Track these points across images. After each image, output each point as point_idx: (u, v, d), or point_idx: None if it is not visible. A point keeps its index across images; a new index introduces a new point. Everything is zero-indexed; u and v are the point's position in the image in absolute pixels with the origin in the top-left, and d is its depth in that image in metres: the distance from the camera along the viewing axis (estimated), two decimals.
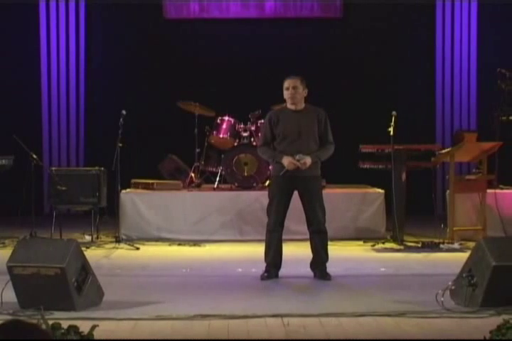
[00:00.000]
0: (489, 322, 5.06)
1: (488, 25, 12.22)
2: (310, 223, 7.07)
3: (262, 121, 9.64)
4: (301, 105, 7.09)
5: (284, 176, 6.97)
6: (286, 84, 7.05)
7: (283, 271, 7.11)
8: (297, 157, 6.89)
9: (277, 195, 7.04)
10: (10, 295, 5.68)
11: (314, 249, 7.09)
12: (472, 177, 9.40)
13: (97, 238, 9.29)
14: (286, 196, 7.05)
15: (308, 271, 7.10)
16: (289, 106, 7.12)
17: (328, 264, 7.07)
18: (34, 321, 3.87)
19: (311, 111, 7.10)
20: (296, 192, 7.10)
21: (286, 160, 6.91)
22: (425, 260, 8.02)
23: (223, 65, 12.06)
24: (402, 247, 8.69)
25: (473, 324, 5.22)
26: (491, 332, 4.55)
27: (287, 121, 7.03)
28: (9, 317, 5.30)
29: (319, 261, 7.07)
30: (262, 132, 7.32)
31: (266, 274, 7.01)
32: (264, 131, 7.18)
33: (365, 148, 9.13)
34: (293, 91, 7.01)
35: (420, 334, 5.01)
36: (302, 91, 7.04)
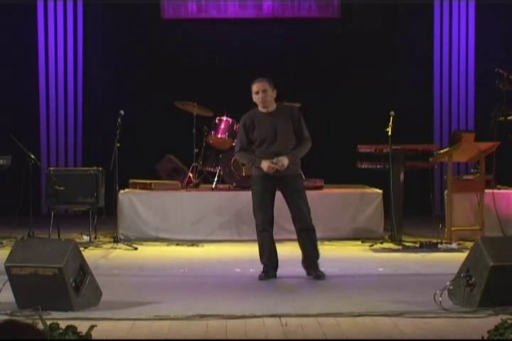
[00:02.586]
0: (487, 322, 5.07)
1: (486, 25, 12.23)
2: (296, 221, 7.03)
3: None
4: (273, 107, 7.04)
5: (265, 176, 6.95)
6: (255, 88, 6.98)
7: (281, 271, 7.09)
8: (274, 160, 6.89)
9: (260, 195, 7.01)
10: (8, 296, 5.68)
11: (304, 247, 7.05)
12: (470, 177, 9.40)
13: (95, 238, 9.28)
14: (270, 195, 7.01)
15: None
16: (261, 109, 7.06)
17: (326, 264, 7.07)
18: (31, 321, 3.87)
19: (284, 110, 7.08)
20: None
21: (265, 165, 6.89)
22: (423, 260, 8.01)
23: (221, 64, 12.07)
24: (400, 247, 8.69)
25: (471, 324, 5.22)
26: (489, 332, 4.55)
27: (262, 125, 7.00)
28: (7, 318, 5.29)
29: (311, 259, 7.03)
30: (238, 137, 7.26)
31: (264, 274, 7.00)
32: (240, 136, 7.16)
33: (363, 148, 9.13)
34: (263, 95, 6.95)
35: (418, 334, 5.01)
36: (271, 93, 6.99)
